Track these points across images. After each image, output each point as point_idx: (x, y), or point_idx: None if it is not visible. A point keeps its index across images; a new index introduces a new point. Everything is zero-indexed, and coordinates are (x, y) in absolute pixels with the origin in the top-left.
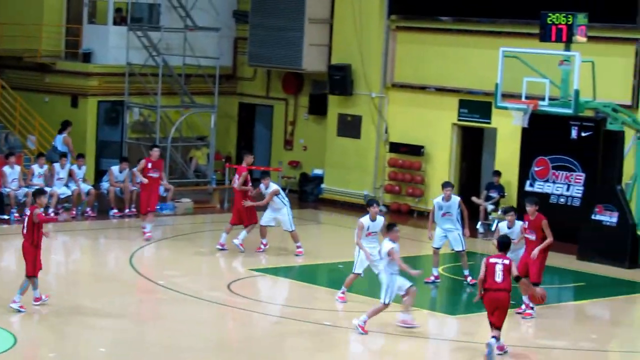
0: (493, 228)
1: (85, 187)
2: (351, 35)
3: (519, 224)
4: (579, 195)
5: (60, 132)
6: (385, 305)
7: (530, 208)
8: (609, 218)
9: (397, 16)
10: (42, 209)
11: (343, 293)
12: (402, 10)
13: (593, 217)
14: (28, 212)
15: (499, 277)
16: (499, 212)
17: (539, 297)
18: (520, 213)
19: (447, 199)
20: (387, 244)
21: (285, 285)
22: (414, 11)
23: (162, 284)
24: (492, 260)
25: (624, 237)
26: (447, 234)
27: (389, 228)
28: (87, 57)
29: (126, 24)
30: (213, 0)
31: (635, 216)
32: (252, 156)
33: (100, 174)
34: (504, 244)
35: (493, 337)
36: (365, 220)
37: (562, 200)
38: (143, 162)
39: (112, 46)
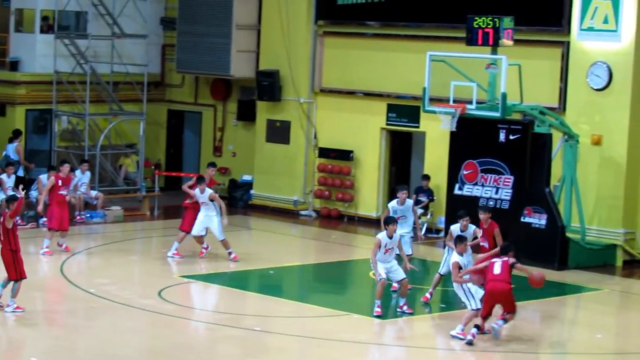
0: (423, 231)
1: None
2: (279, 41)
3: (472, 227)
4: (508, 198)
5: (11, 141)
6: (478, 311)
7: (483, 216)
8: (538, 220)
9: (324, 21)
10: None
11: (379, 307)
12: (329, 16)
13: (522, 219)
14: (0, 220)
15: (497, 270)
16: (429, 217)
17: (537, 279)
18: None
19: (402, 202)
20: (454, 257)
21: (216, 291)
22: (341, 16)
23: (93, 292)
24: (492, 260)
25: (553, 238)
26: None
27: (460, 239)
28: (14, 65)
29: (53, 32)
30: (140, 7)
31: (564, 218)
32: (213, 169)
33: (29, 182)
34: (506, 249)
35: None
36: (382, 236)
37: (491, 203)
38: (52, 179)
39: (40, 54)
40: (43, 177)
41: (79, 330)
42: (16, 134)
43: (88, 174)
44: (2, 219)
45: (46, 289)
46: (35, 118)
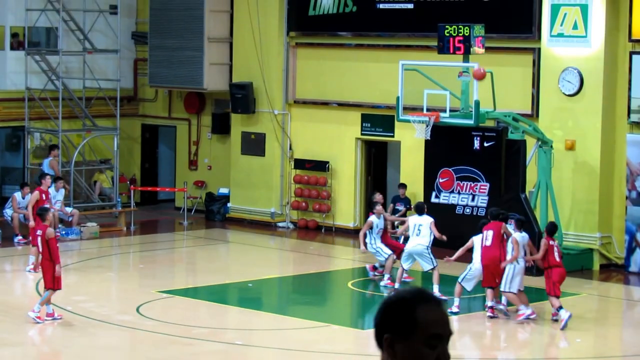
0: (401, 240)
1: None
2: (251, 53)
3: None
4: (484, 205)
5: (47, 155)
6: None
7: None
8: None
9: (296, 33)
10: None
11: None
12: (300, 27)
13: None
14: (39, 232)
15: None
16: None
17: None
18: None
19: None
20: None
21: (195, 305)
22: (313, 27)
23: (70, 310)
24: (551, 242)
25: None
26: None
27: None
28: None
29: (24, 49)
30: (111, 22)
31: (540, 223)
32: (380, 194)
33: (2, 201)
34: (552, 230)
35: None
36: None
37: (467, 210)
38: (37, 193)
39: (11, 71)
40: (17, 195)
41: (57, 349)
42: (50, 148)
43: (62, 190)
44: (41, 233)
45: (23, 307)
46: (8, 136)
